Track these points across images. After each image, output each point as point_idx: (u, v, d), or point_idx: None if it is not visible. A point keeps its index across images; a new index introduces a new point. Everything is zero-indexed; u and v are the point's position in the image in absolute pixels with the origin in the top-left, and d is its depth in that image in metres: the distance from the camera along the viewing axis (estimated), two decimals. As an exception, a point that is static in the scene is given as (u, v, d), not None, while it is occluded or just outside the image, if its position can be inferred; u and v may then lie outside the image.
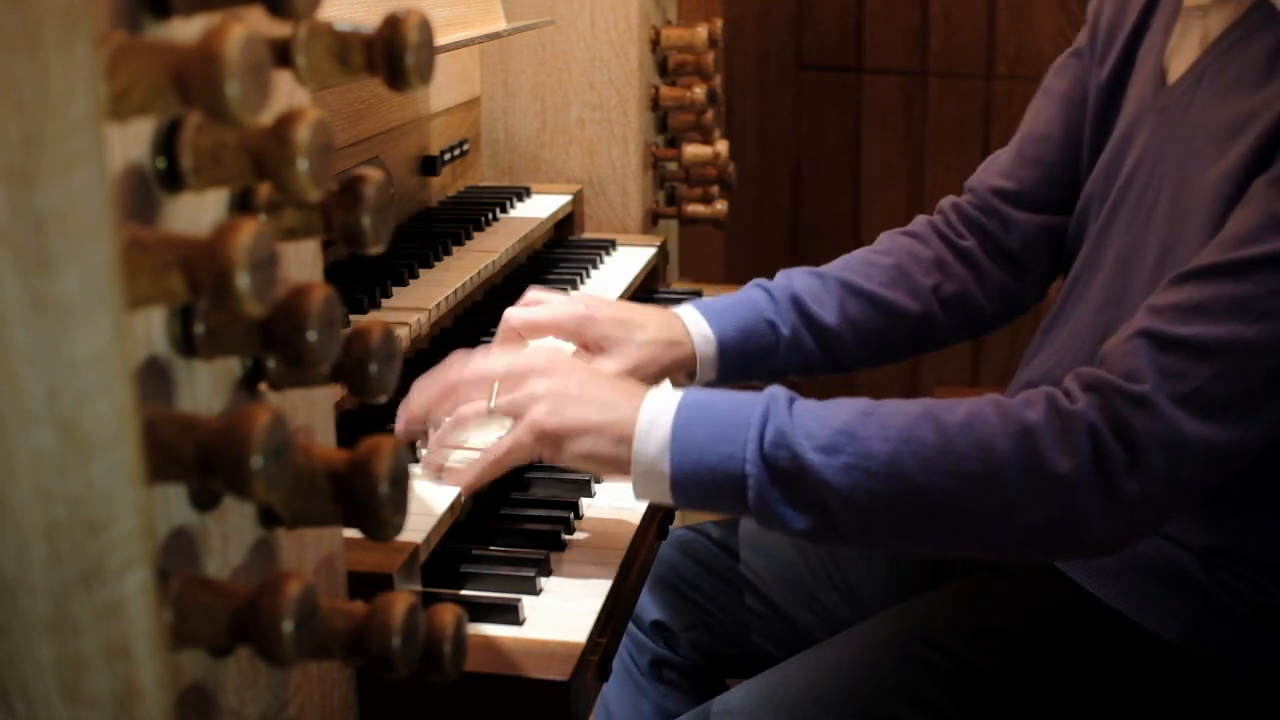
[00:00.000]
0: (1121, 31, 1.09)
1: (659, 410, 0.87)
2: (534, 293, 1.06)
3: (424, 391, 0.93)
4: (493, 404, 0.90)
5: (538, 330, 1.03)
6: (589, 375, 0.92)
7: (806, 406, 0.88)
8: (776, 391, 0.89)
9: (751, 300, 1.12)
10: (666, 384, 1.01)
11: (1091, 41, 1.14)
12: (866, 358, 1.16)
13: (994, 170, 1.21)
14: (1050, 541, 0.88)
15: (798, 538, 0.92)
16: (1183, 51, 1.01)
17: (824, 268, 1.17)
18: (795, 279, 1.14)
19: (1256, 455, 0.91)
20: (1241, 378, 0.83)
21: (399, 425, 0.95)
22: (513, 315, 1.03)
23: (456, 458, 0.95)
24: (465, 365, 0.93)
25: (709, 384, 1.10)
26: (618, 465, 0.88)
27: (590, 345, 1.03)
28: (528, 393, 0.89)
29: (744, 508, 0.87)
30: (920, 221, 1.23)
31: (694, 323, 1.08)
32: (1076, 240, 1.12)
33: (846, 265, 1.17)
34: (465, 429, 0.94)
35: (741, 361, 1.10)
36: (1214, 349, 0.82)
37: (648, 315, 1.07)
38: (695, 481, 0.86)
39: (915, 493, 0.84)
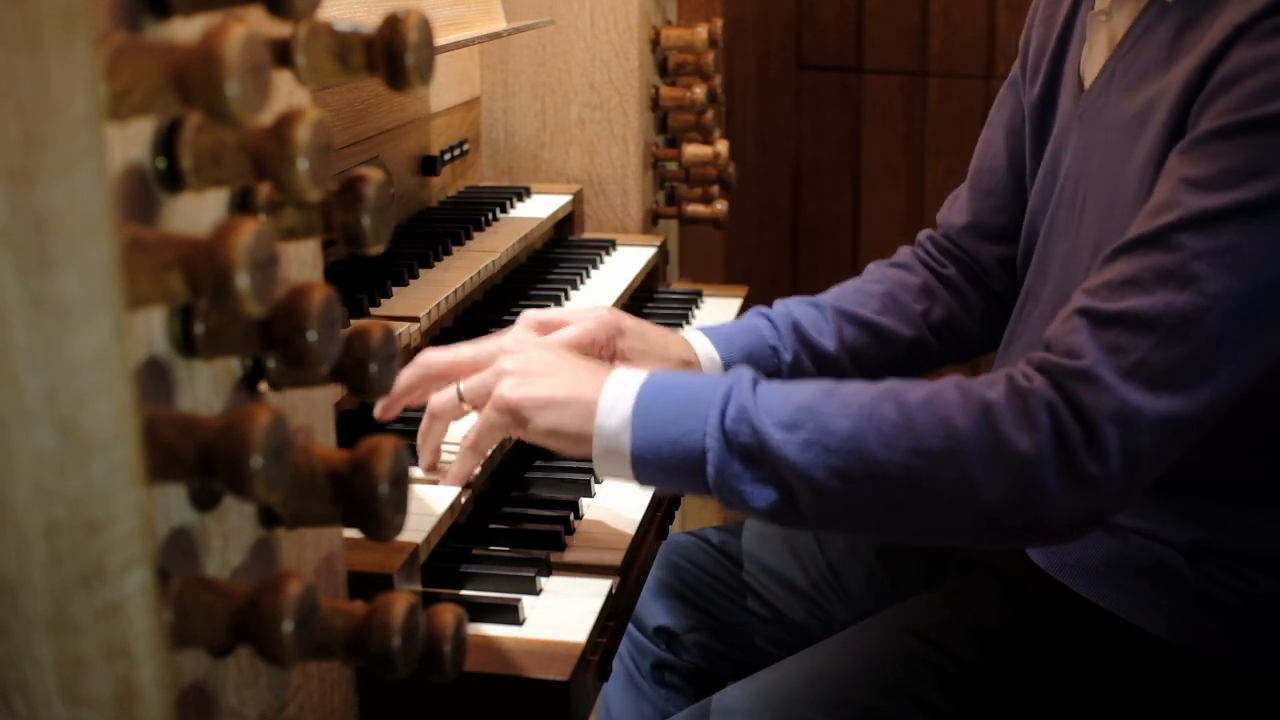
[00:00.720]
0: (1047, 51, 1.12)
1: (623, 387, 0.87)
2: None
3: (400, 381, 0.94)
4: (462, 387, 0.92)
5: (562, 329, 1.03)
6: (555, 353, 0.93)
7: (770, 386, 0.88)
8: (742, 371, 0.89)
9: (755, 328, 1.14)
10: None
11: (1023, 68, 1.17)
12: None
13: (956, 207, 1.25)
14: (1012, 522, 0.86)
15: (759, 517, 0.90)
16: (1094, 56, 1.03)
17: (819, 298, 1.19)
18: (794, 308, 1.16)
19: (1241, 442, 0.92)
20: (1181, 345, 0.82)
21: (377, 410, 0.96)
22: (540, 313, 1.04)
23: (446, 456, 0.96)
24: (435, 354, 0.95)
25: None
26: (581, 441, 0.88)
27: (615, 355, 1.04)
28: (494, 370, 0.90)
29: (704, 486, 0.86)
30: (905, 252, 1.26)
31: (702, 347, 1.10)
32: (1026, 255, 1.13)
33: (841, 295, 1.20)
34: (441, 420, 0.95)
35: None
36: (1149, 319, 0.82)
37: (665, 334, 1.09)
38: (656, 457, 0.86)
39: (875, 470, 0.83)
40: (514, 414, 0.88)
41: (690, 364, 1.08)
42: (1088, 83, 1.04)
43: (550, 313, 1.05)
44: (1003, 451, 0.82)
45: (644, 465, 0.87)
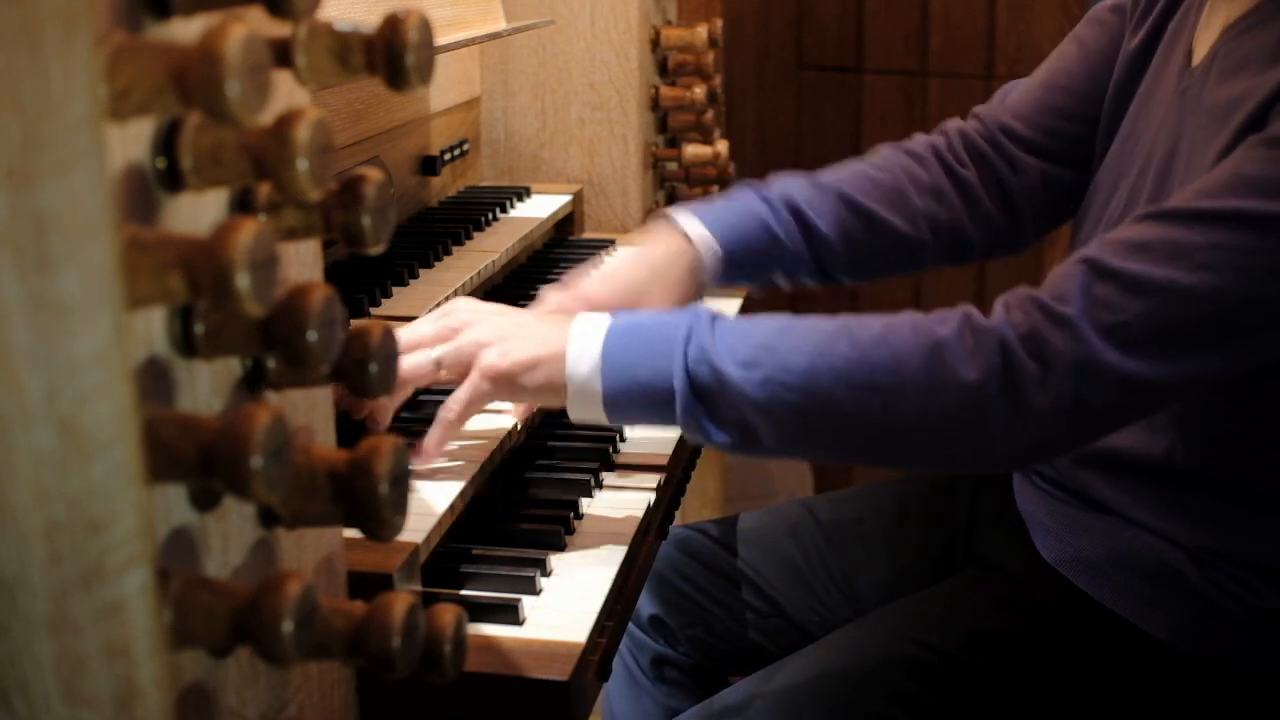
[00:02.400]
0: (1157, 4, 1.09)
1: (589, 334, 0.90)
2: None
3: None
4: (435, 354, 0.92)
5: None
6: (517, 314, 0.97)
7: (728, 324, 0.90)
8: (700, 310, 0.92)
9: (753, 212, 1.14)
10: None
11: (1134, 6, 1.13)
12: (852, 270, 1.18)
13: (1008, 108, 1.21)
14: (959, 451, 0.89)
15: (724, 450, 0.93)
16: (1206, 35, 1.01)
17: (823, 178, 1.18)
18: (794, 189, 1.16)
19: (1251, 440, 0.93)
20: (1169, 319, 0.84)
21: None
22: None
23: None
24: (410, 330, 0.96)
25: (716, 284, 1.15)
26: (561, 391, 0.90)
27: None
28: (472, 341, 0.92)
29: (674, 420, 0.89)
30: (921, 141, 1.22)
31: (700, 236, 1.11)
32: (1087, 210, 1.11)
33: (845, 178, 1.18)
34: (407, 387, 0.96)
35: (741, 270, 1.14)
36: (1149, 288, 0.83)
37: (653, 281, 1.08)
38: (627, 398, 0.89)
39: (829, 404, 0.86)
40: (507, 380, 0.90)
41: (683, 279, 1.09)
42: (1196, 60, 1.00)
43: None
44: (949, 385, 0.84)
45: (615, 407, 0.90)
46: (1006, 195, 1.19)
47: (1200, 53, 1.01)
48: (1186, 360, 0.85)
